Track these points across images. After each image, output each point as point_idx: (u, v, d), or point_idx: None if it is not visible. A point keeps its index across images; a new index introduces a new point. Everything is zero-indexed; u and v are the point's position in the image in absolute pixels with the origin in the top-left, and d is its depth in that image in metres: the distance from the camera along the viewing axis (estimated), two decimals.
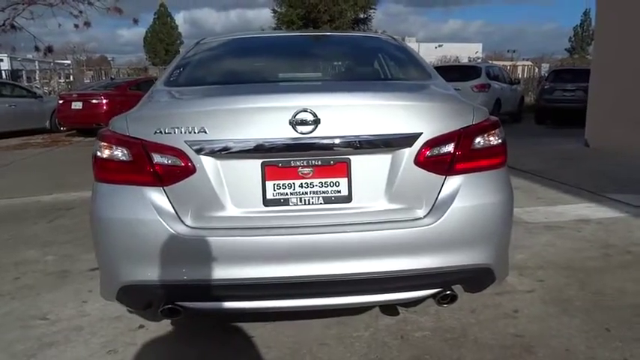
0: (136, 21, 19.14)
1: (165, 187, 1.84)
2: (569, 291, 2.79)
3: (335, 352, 2.22)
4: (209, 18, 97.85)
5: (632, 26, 6.84)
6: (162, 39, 43.70)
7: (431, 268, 1.86)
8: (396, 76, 2.45)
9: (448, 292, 1.96)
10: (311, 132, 1.80)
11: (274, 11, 15.34)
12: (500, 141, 1.98)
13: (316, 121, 1.79)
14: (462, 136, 1.90)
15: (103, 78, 20.34)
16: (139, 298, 1.93)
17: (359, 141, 1.83)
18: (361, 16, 15.43)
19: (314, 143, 1.81)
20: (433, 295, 1.98)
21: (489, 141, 1.95)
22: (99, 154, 1.92)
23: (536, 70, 21.80)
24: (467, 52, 35.00)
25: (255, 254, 1.81)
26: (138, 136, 1.85)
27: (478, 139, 1.93)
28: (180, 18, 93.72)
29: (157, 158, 1.83)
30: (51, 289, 3.01)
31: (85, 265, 3.35)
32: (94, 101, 11.37)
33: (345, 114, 1.83)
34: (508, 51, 48.17)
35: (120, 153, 1.87)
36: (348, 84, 2.40)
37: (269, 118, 1.81)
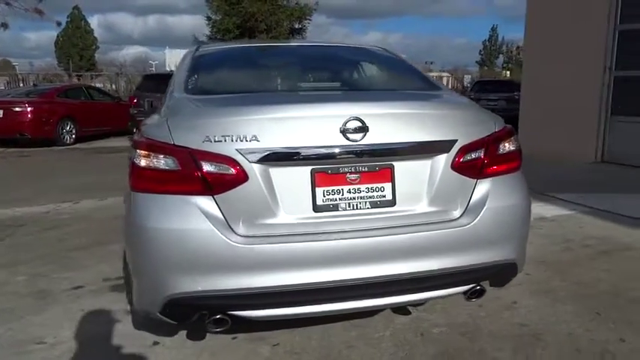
0: (59, 23, 18.01)
1: (215, 196, 1.82)
2: (553, 282, 3.05)
3: (365, 352, 2.29)
4: (126, 23, 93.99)
5: (554, 43, 7.54)
6: (75, 43, 41.37)
7: (468, 265, 1.99)
8: (417, 87, 2.57)
9: (478, 287, 2.10)
10: (360, 140, 1.87)
11: (209, 19, 15.09)
12: (517, 147, 2.16)
13: (365, 129, 1.86)
14: (489, 143, 2.05)
15: (21, 85, 18.93)
16: (187, 311, 1.88)
17: (402, 147, 1.93)
18: (296, 26, 15.62)
19: (362, 150, 1.88)
20: (464, 291, 2.11)
21: (509, 147, 2.12)
22: (141, 163, 1.86)
23: (456, 80, 23.17)
24: None
25: (308, 260, 1.84)
26: (185, 145, 1.83)
27: (501, 145, 2.09)
28: (94, 22, 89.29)
29: (207, 167, 1.82)
30: (36, 311, 2.81)
31: (66, 284, 3.16)
32: (16, 109, 10.56)
33: (390, 122, 1.92)
34: (426, 62, 50.59)
35: (166, 162, 1.84)
36: (387, 94, 2.49)
37: (320, 125, 1.86)
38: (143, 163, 1.86)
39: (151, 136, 1.89)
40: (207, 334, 2.45)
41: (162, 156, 1.84)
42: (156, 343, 2.41)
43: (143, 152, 1.87)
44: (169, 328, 2.50)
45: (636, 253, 3.57)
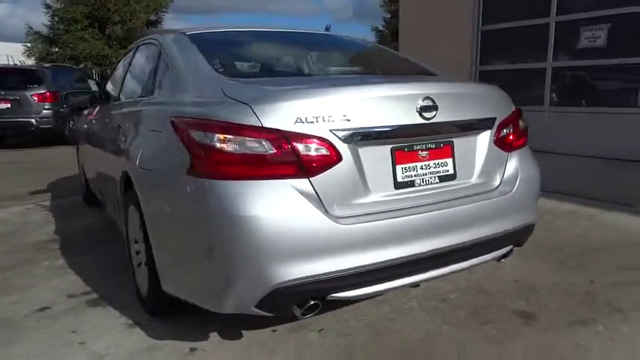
0: None
1: (311, 178, 1.78)
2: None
3: (406, 323, 2.41)
4: None
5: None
6: None
7: (510, 229, 2.23)
8: (422, 71, 2.72)
9: (511, 248, 2.37)
10: (432, 118, 1.98)
11: (48, 7, 13.39)
12: (526, 124, 2.48)
13: (435, 108, 1.98)
14: (514, 119, 2.33)
15: None
16: (287, 300, 1.79)
17: (460, 125, 2.09)
18: (152, 18, 14.73)
19: (433, 128, 2.00)
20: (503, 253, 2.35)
21: (523, 123, 2.43)
22: (228, 149, 1.73)
23: None
24: None
25: (397, 235, 1.90)
26: (276, 127, 1.75)
27: (519, 122, 2.39)
28: None
29: (301, 149, 1.76)
30: (9, 343, 2.37)
31: (24, 309, 2.71)
32: None
33: (451, 102, 2.06)
34: None
35: (257, 146, 1.73)
36: (428, 77, 2.59)
37: (400, 104, 1.93)
38: (230, 148, 1.73)
39: (230, 120, 1.76)
40: (243, 332, 2.35)
41: (253, 140, 1.73)
42: (193, 350, 2.23)
43: (229, 136, 1.73)
44: (195, 332, 2.34)
45: (552, 216, 4.24)
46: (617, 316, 2.42)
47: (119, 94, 3.38)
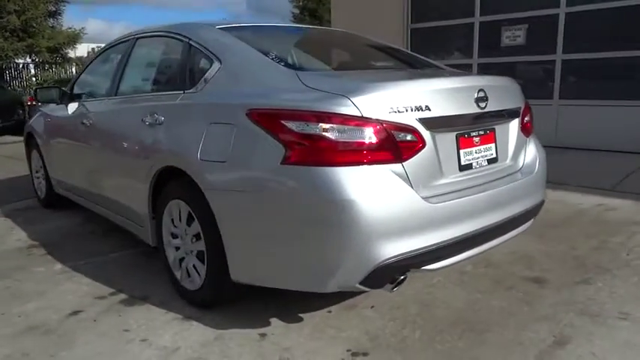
0: None
1: (403, 163, 1.96)
2: None
3: (446, 292, 2.67)
4: None
5: None
6: None
7: (533, 205, 2.58)
8: (440, 66, 2.98)
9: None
10: (484, 107, 2.26)
11: None
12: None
13: (487, 99, 2.26)
14: (528, 108, 2.68)
15: None
16: (387, 275, 1.95)
17: (500, 113, 2.39)
18: (52, 9, 13.58)
19: (484, 117, 2.28)
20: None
21: (530, 112, 2.80)
22: (331, 136, 1.85)
23: None
24: None
25: (467, 212, 2.15)
26: (375, 117, 1.91)
27: (530, 110, 2.75)
28: None
29: (396, 136, 1.94)
30: (66, 347, 2.28)
31: (54, 314, 2.58)
32: None
33: (494, 93, 2.35)
34: None
35: (360, 135, 1.88)
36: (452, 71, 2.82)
37: (463, 96, 2.17)
38: (333, 136, 1.86)
39: (334, 110, 1.89)
40: (300, 315, 2.46)
41: (355, 129, 1.88)
42: (263, 335, 2.31)
43: (332, 126, 1.86)
44: (254, 320, 2.42)
45: None
46: (608, 274, 2.88)
47: (116, 89, 3.25)
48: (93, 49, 18.30)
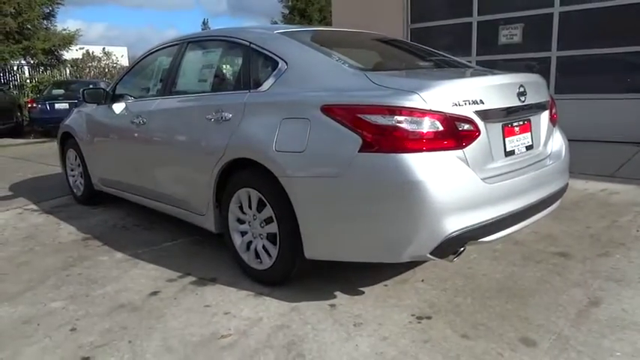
0: None
1: (464, 149, 2.28)
2: None
3: (484, 268, 3.00)
4: None
5: None
6: None
7: (562, 186, 2.92)
8: (467, 64, 3.31)
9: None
10: (524, 101, 2.59)
11: None
12: None
13: (526, 93, 2.59)
14: (553, 100, 3.02)
15: None
16: (452, 246, 2.26)
17: (535, 105, 2.72)
18: (47, 10, 13.59)
19: (523, 109, 2.61)
20: None
21: (555, 104, 3.13)
22: (405, 127, 2.16)
23: None
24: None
25: (514, 191, 2.47)
26: (442, 110, 2.22)
27: (553, 104, 3.09)
28: None
29: (459, 126, 2.25)
30: (155, 320, 2.54)
31: (136, 294, 2.84)
32: None
33: (531, 88, 2.67)
34: None
35: (428, 125, 2.19)
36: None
37: (507, 91, 2.50)
38: (408, 127, 2.16)
39: (406, 104, 2.19)
40: (360, 288, 2.76)
41: (426, 120, 2.18)
42: (332, 305, 2.61)
43: (406, 118, 2.16)
44: (320, 294, 2.71)
45: None
46: (623, 248, 3.24)
47: (170, 90, 3.50)
48: (87, 50, 18.37)
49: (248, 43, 2.97)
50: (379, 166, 2.21)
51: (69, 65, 16.17)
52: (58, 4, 14.00)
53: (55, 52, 15.00)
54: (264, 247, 2.79)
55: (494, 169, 2.45)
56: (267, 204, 2.67)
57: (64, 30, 15.20)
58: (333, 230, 2.42)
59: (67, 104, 11.43)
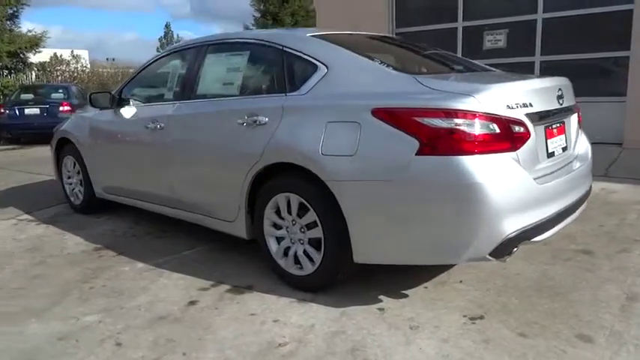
0: None
1: (517, 151, 2.31)
2: None
3: (517, 268, 3.04)
4: None
5: None
6: None
7: (590, 187, 3.01)
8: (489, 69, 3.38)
9: None
10: (562, 104, 2.65)
11: None
12: None
13: (563, 96, 2.66)
14: (577, 105, 3.11)
15: None
16: (510, 246, 2.29)
17: (569, 108, 2.80)
18: (10, 11, 13.03)
19: (561, 111, 2.67)
20: None
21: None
22: (464, 130, 2.17)
23: None
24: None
25: (559, 191, 2.53)
26: (497, 113, 2.25)
27: (578, 107, 3.18)
28: None
29: (513, 128, 2.29)
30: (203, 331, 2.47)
31: (178, 299, 2.75)
32: None
33: (566, 91, 2.75)
34: (107, 59, 47.81)
35: (486, 128, 2.21)
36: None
37: (549, 94, 2.57)
38: (466, 130, 2.18)
39: (464, 107, 2.20)
40: (403, 291, 2.76)
41: (484, 123, 2.21)
42: (381, 309, 2.59)
43: (465, 121, 2.18)
44: (365, 298, 2.69)
45: None
46: (638, 244, 3.37)
47: (191, 94, 3.40)
48: (55, 53, 17.67)
49: (281, 47, 2.93)
50: (438, 169, 2.21)
51: (35, 69, 15.54)
52: (23, 4, 13.44)
53: (21, 55, 14.41)
54: (305, 252, 2.75)
55: (541, 170, 2.50)
56: (311, 208, 2.64)
57: (30, 32, 14.63)
58: (387, 234, 2.40)
59: (37, 109, 10.99)
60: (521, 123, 2.33)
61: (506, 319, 2.44)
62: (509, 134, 2.28)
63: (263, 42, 3.07)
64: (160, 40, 59.15)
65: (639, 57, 6.60)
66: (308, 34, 2.99)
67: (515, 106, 2.32)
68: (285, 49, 2.91)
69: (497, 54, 7.81)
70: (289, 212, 2.77)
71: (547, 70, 7.40)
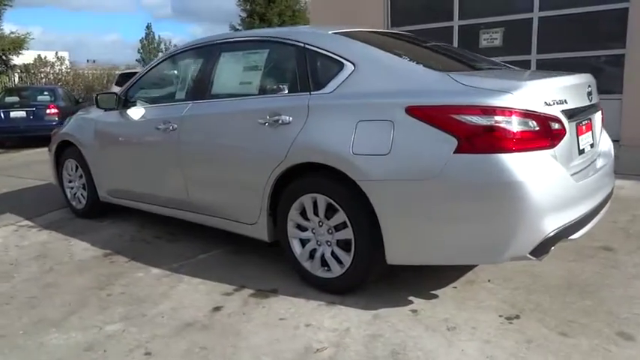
0: None
1: (554, 148, 2.28)
2: None
3: (544, 267, 2.99)
4: None
5: None
6: None
7: (613, 185, 2.99)
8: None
9: None
10: (591, 100, 2.64)
11: None
12: None
13: (592, 93, 2.64)
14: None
15: None
16: (549, 244, 2.25)
17: (595, 105, 2.78)
18: None
19: (589, 108, 2.66)
20: None
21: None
22: (505, 127, 2.13)
23: None
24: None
25: (593, 188, 2.52)
26: (535, 110, 2.21)
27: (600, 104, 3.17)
28: None
29: (550, 125, 2.26)
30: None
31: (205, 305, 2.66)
32: None
33: (594, 89, 2.74)
34: (88, 60, 47.04)
35: (526, 125, 2.18)
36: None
37: (580, 91, 2.54)
38: (507, 127, 2.14)
39: (503, 105, 2.16)
40: (433, 292, 2.72)
41: (524, 120, 2.17)
42: (414, 311, 2.54)
43: (505, 118, 2.14)
44: (394, 300, 2.65)
45: None
46: None
47: (205, 93, 3.31)
48: (39, 55, 17.24)
49: (302, 44, 2.86)
50: (479, 167, 2.17)
51: (19, 71, 15.14)
52: (5, 5, 13.09)
53: (3, 57, 14.03)
54: (333, 254, 2.69)
55: (575, 167, 2.48)
56: (340, 209, 2.58)
57: (12, 33, 14.25)
58: (425, 234, 2.36)
59: (23, 112, 10.72)
60: (558, 120, 2.30)
61: (543, 317, 2.42)
62: (547, 131, 2.25)
63: (283, 39, 3.00)
64: (141, 41, 58.58)
65: (635, 55, 6.68)
66: (330, 32, 2.93)
67: (552, 103, 2.29)
68: (307, 46, 2.85)
69: (494, 53, 7.80)
70: (316, 214, 2.71)
71: (543, 69, 7.45)
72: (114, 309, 2.72)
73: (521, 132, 2.17)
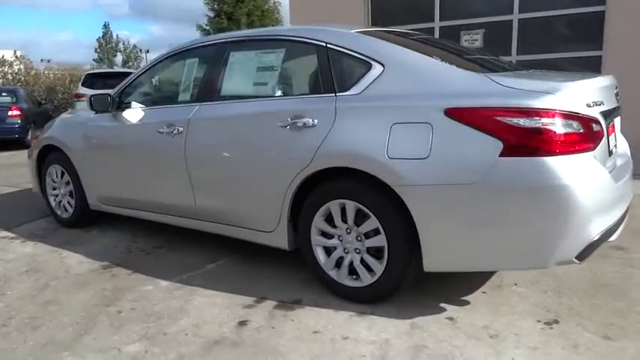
0: None
1: (595, 150, 2.26)
2: None
3: (572, 269, 3.00)
4: None
5: None
6: None
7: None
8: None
9: None
10: (618, 102, 2.64)
11: None
12: None
13: (618, 94, 2.64)
14: None
15: None
16: (593, 248, 2.22)
17: (616, 109, 2.78)
18: None
19: (615, 109, 2.65)
20: None
21: None
22: (551, 129, 2.09)
23: None
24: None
25: (624, 190, 2.51)
26: (579, 111, 2.18)
27: None
28: None
29: (592, 127, 2.23)
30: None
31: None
32: None
33: (618, 89, 2.74)
34: (42, 60, 45.24)
35: (571, 127, 2.14)
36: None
37: (610, 92, 2.54)
38: (553, 129, 2.10)
39: (548, 106, 2.11)
40: (457, 297, 2.66)
41: (569, 122, 2.13)
42: (450, 318, 2.47)
43: (551, 120, 2.09)
44: (426, 308, 2.58)
45: None
46: None
47: (215, 95, 3.13)
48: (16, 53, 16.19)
49: (324, 44, 2.74)
50: (525, 171, 2.12)
51: None
52: None
53: None
54: (362, 261, 2.59)
55: (608, 168, 2.46)
56: (372, 215, 2.48)
57: None
58: (467, 240, 2.28)
59: None
60: (598, 121, 2.28)
61: (582, 321, 2.39)
62: (590, 133, 2.22)
63: (301, 39, 2.86)
64: (98, 40, 56.70)
65: (611, 56, 6.87)
66: (353, 31, 2.82)
67: (592, 105, 2.27)
68: (329, 46, 2.73)
69: (475, 54, 7.92)
70: (344, 220, 2.60)
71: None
72: (129, 327, 2.53)
73: (568, 134, 2.13)
